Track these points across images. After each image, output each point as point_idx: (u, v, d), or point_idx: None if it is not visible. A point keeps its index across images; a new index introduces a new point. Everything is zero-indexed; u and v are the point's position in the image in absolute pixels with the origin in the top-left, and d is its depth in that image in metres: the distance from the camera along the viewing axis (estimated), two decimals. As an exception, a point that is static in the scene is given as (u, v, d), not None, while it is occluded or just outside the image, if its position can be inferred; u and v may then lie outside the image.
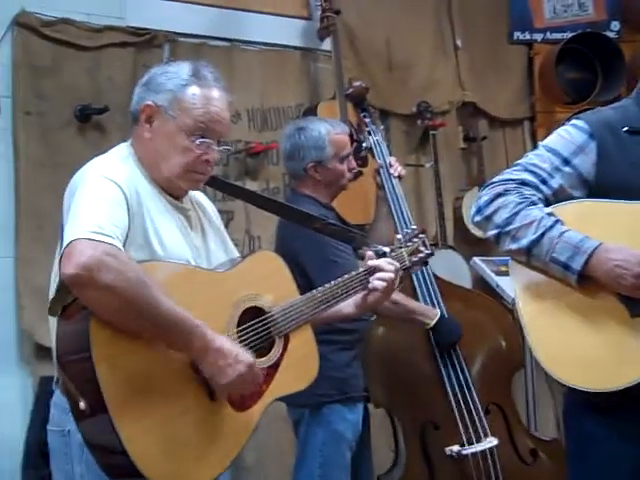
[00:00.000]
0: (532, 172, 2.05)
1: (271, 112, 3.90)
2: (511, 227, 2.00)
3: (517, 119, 4.56)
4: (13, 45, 3.32)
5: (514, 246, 2.00)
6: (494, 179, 2.09)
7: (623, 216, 1.95)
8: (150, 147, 1.89)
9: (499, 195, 2.04)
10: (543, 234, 1.96)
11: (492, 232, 2.03)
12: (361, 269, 2.15)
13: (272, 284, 2.00)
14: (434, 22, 4.44)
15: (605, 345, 1.89)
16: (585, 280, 1.92)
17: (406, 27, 4.33)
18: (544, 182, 2.04)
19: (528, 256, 1.99)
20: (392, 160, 3.08)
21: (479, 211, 2.06)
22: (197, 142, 1.87)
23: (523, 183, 2.04)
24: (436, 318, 2.85)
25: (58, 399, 1.85)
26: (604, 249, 1.90)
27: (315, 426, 2.76)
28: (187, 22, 3.73)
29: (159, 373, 1.71)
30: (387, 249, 2.20)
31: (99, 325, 1.64)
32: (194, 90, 1.87)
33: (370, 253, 2.16)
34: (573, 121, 2.13)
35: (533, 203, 2.00)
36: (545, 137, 4.77)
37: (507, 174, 2.08)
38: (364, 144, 3.16)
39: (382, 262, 2.13)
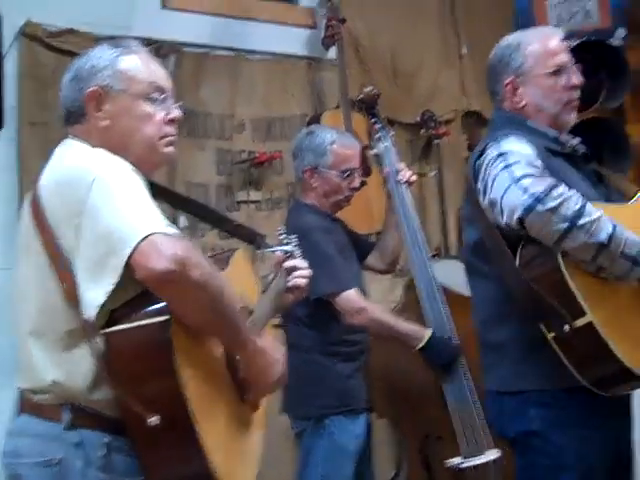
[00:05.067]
0: (539, 169, 2.04)
1: (275, 122, 3.92)
2: (585, 220, 1.93)
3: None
4: (19, 56, 3.34)
5: (591, 240, 1.94)
6: (523, 172, 1.98)
7: (623, 216, 2.03)
8: (112, 134, 1.73)
9: (554, 186, 1.95)
10: (615, 229, 1.95)
11: (561, 225, 1.92)
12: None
13: (244, 283, 2.00)
14: (439, 30, 4.45)
15: None
16: None
17: (411, 36, 4.34)
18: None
19: (601, 251, 1.95)
20: (401, 166, 3.05)
21: (540, 200, 1.93)
22: (157, 101, 1.76)
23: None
24: (425, 339, 2.77)
25: (39, 426, 1.65)
26: None
27: (318, 438, 2.76)
28: (192, 32, 3.75)
29: (217, 377, 1.70)
30: (291, 248, 2.07)
31: (179, 332, 1.55)
32: (129, 58, 1.78)
33: (279, 255, 2.05)
34: (514, 140, 2.11)
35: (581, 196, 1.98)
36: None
37: (528, 169, 2.00)
38: (373, 151, 3.14)
39: (297, 261, 2.04)
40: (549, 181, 1.97)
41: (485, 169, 2.10)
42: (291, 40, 4.04)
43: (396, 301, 3.09)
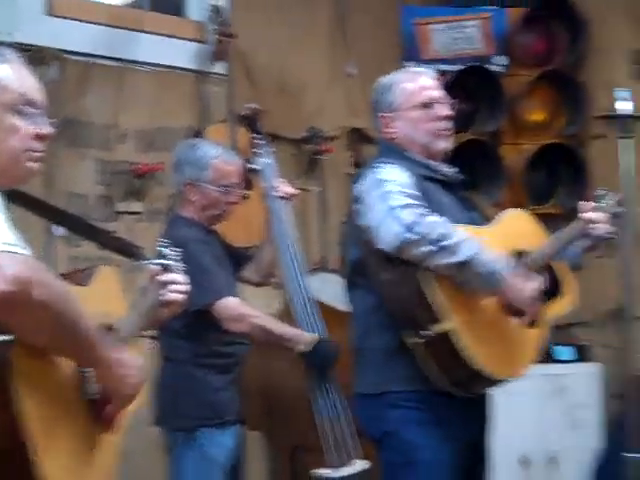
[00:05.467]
0: (412, 198, 2.24)
1: (159, 133, 3.91)
2: (449, 242, 2.15)
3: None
4: None
5: (453, 259, 2.16)
6: (397, 202, 2.20)
7: (485, 235, 2.34)
8: None
9: (423, 215, 2.19)
10: (478, 250, 2.19)
11: (428, 248, 2.15)
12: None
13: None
14: (328, 48, 4.53)
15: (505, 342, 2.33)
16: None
17: (300, 52, 4.41)
18: (424, 207, 2.24)
19: (463, 269, 2.17)
20: (279, 182, 3.10)
21: (410, 228, 2.16)
22: (27, 115, 1.70)
23: (422, 207, 2.22)
24: (309, 343, 2.83)
25: None
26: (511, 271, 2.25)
27: (188, 449, 2.76)
28: (77, 40, 3.71)
29: (65, 397, 1.65)
30: (168, 261, 1.96)
31: (22, 353, 1.51)
32: (0, 67, 1.72)
33: (154, 268, 1.95)
34: (392, 169, 2.34)
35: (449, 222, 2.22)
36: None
37: (402, 199, 2.22)
38: (253, 166, 3.18)
39: (174, 275, 1.94)
40: (420, 210, 2.19)
41: (365, 195, 2.31)
42: (180, 53, 4.04)
43: (273, 314, 3.13)
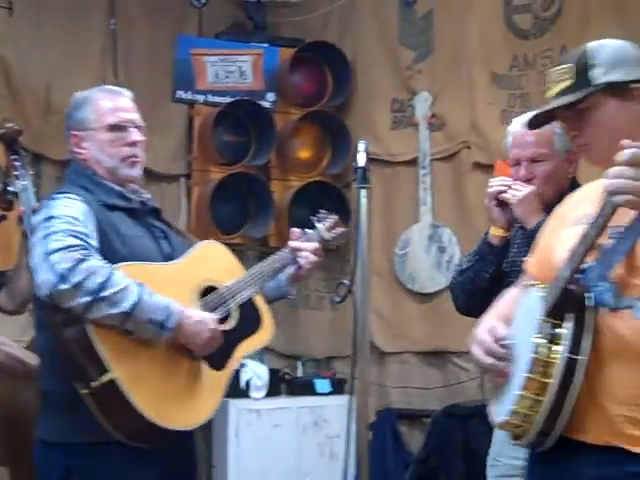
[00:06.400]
0: (78, 237, 2.10)
1: None
2: (109, 292, 2.04)
3: (174, 175, 4.64)
4: None
5: (114, 310, 2.05)
6: (56, 245, 2.06)
7: (162, 275, 2.26)
8: None
9: (81, 260, 2.04)
10: (141, 297, 2.08)
11: (84, 299, 2.03)
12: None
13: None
14: (98, 71, 4.43)
15: (180, 390, 2.22)
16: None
17: (69, 72, 4.27)
18: (91, 246, 2.12)
19: (126, 319, 2.07)
20: (37, 206, 2.98)
21: (64, 278, 2.02)
22: None
23: (86, 248, 2.09)
24: None
25: None
26: (185, 309, 2.19)
27: None
28: None
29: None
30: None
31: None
32: None
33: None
34: (66, 201, 2.22)
35: (111, 267, 2.10)
36: (200, 194, 4.94)
37: (64, 240, 2.07)
38: (10, 188, 3.03)
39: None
40: (78, 256, 2.05)
41: (35, 230, 2.19)
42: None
43: (27, 340, 2.98)
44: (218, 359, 2.29)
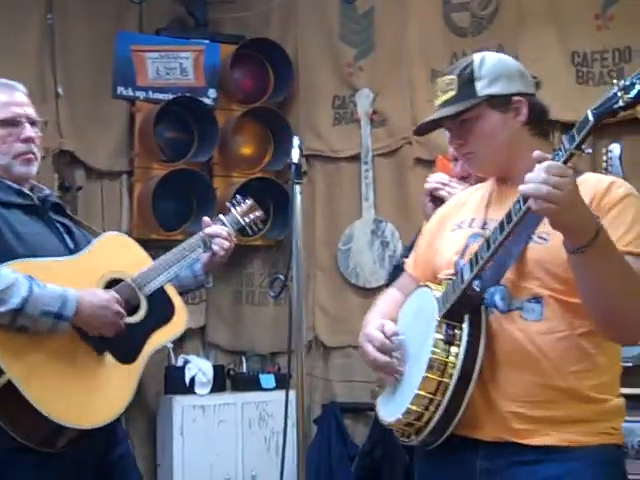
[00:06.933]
0: None
1: None
2: None
3: (115, 172, 4.60)
4: None
5: (2, 309, 2.01)
6: None
7: (59, 270, 2.20)
8: None
9: None
10: (32, 291, 2.04)
11: None
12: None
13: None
14: (35, 67, 4.36)
15: (85, 387, 2.16)
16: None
17: (5, 69, 4.19)
18: None
19: (17, 316, 2.03)
20: None
21: None
22: None
23: None
24: None
25: None
26: (84, 294, 2.14)
27: None
28: None
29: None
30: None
31: None
32: None
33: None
34: None
35: None
36: (142, 191, 4.89)
37: None
38: None
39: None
40: None
41: None
42: None
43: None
44: (128, 352, 2.24)
